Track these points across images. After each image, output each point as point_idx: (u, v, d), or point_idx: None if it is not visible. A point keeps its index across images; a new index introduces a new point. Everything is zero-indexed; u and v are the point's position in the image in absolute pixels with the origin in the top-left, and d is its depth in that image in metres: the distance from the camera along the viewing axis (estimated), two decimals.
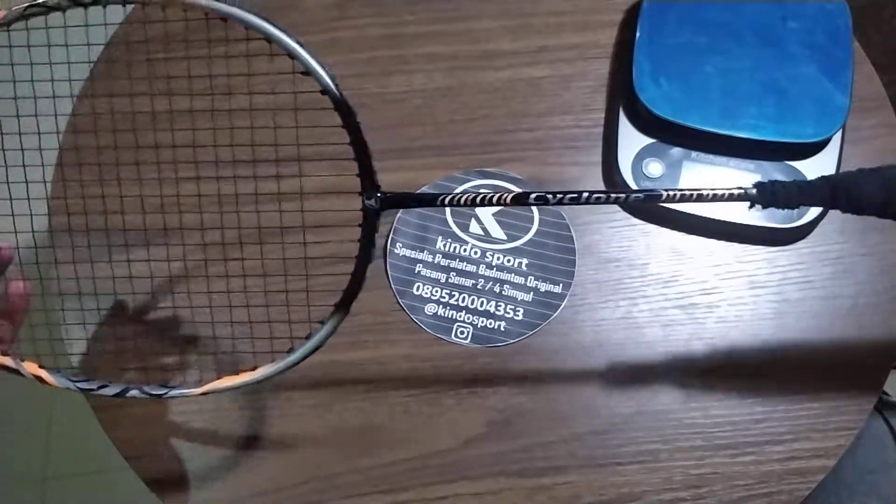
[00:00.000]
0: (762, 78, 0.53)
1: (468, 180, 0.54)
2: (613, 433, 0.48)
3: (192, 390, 0.40)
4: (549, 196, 0.38)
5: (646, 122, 0.54)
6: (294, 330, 0.40)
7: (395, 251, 0.52)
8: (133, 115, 0.43)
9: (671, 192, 0.38)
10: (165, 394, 0.40)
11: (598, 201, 0.38)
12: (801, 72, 0.53)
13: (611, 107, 0.57)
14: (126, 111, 0.43)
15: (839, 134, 0.53)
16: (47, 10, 0.36)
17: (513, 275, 0.52)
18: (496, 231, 0.53)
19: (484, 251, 0.52)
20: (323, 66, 0.35)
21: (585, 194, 0.38)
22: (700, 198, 0.38)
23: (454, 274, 0.52)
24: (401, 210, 0.53)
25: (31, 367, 0.39)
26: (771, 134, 0.52)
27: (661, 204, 0.40)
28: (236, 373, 0.40)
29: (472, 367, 0.50)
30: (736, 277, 0.52)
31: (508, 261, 0.52)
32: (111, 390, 0.40)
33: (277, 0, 0.61)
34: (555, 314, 0.51)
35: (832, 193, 0.38)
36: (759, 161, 0.53)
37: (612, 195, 0.39)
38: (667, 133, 0.53)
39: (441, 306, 0.51)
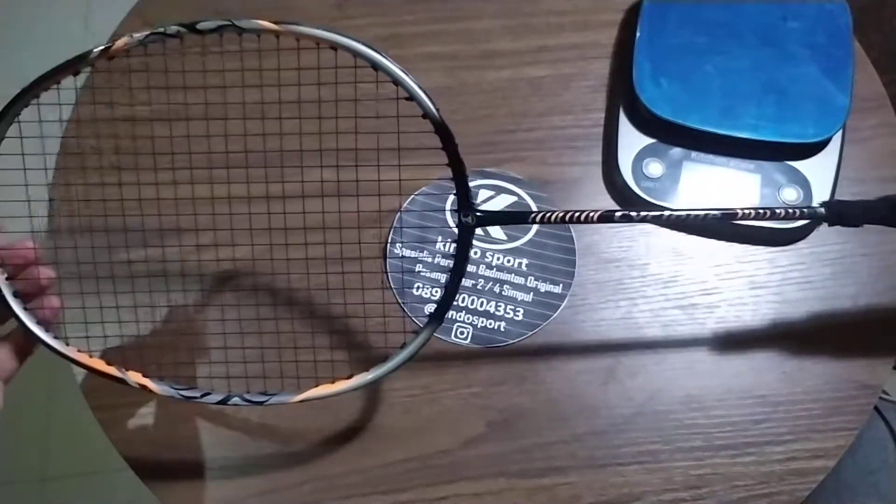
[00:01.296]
0: (762, 78, 0.53)
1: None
2: (613, 433, 0.48)
3: (291, 398, 0.40)
4: (633, 214, 0.40)
5: (646, 122, 0.54)
6: (388, 340, 0.41)
7: (395, 251, 0.52)
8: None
9: (746, 210, 0.40)
10: (266, 401, 0.40)
11: (687, 219, 0.41)
12: (802, 72, 0.53)
13: (611, 107, 0.57)
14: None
15: (839, 134, 0.53)
16: (166, 37, 0.37)
17: (513, 275, 0.52)
18: (496, 231, 0.53)
19: (484, 251, 0.52)
20: (425, 92, 0.37)
21: (667, 214, 0.40)
22: (773, 215, 0.40)
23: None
24: (401, 210, 0.53)
25: (135, 377, 0.39)
26: (771, 134, 0.52)
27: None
28: (332, 381, 0.40)
29: (472, 368, 0.50)
30: (736, 278, 0.52)
31: (508, 261, 0.52)
32: (214, 398, 0.40)
33: (277, 0, 0.61)
34: (555, 314, 0.51)
35: (891, 212, 0.41)
36: (760, 161, 0.53)
37: (693, 213, 0.40)
38: (667, 133, 0.53)
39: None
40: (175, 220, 0.45)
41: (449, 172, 0.40)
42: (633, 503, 0.47)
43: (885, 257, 0.52)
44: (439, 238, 0.53)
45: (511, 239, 0.53)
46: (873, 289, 0.51)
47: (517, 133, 0.56)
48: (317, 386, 0.41)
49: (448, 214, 0.53)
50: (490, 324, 0.50)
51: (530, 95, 0.58)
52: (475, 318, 0.51)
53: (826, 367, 0.49)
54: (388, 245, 0.53)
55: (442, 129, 0.38)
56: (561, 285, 0.51)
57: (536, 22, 0.60)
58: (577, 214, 0.40)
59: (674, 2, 0.56)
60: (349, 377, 0.40)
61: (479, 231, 0.52)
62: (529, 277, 0.52)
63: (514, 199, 0.54)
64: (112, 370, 0.40)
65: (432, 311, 0.41)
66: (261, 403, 0.40)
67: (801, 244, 0.53)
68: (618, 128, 0.54)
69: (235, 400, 0.40)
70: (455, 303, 0.51)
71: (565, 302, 0.51)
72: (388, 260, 0.52)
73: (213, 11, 0.61)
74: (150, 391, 0.39)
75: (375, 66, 0.36)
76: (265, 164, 0.43)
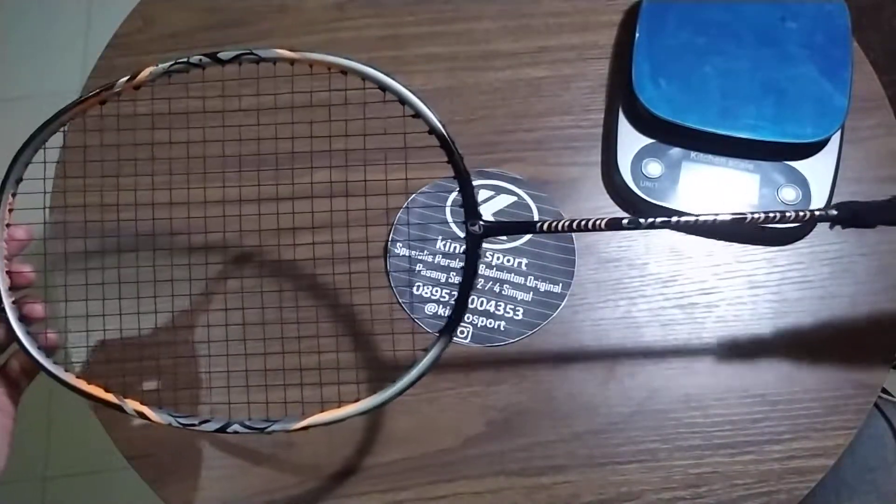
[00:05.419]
0: (761, 78, 0.54)
1: None
2: (613, 432, 0.48)
3: (293, 424, 0.39)
4: (641, 220, 0.39)
5: (645, 122, 0.54)
6: (398, 358, 0.40)
7: (395, 251, 0.53)
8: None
9: (756, 215, 0.39)
10: (266, 428, 0.39)
11: (696, 224, 0.39)
12: (801, 72, 0.54)
13: (610, 107, 0.57)
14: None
15: (838, 134, 0.53)
16: (189, 66, 0.39)
17: (513, 274, 0.52)
18: None
19: (484, 251, 0.53)
20: (430, 109, 0.39)
21: (674, 219, 0.39)
22: (784, 219, 0.39)
23: (454, 274, 0.52)
24: (401, 210, 0.53)
25: (133, 404, 0.39)
26: (770, 134, 0.52)
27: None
28: (338, 405, 0.39)
29: (472, 367, 0.50)
30: (735, 277, 0.52)
31: (508, 260, 0.52)
32: (213, 426, 0.39)
33: (278, 1, 0.61)
34: (554, 314, 0.51)
35: None
36: (759, 161, 0.53)
37: (702, 217, 0.39)
38: (666, 133, 0.53)
39: (441, 306, 0.51)
40: (179, 224, 0.45)
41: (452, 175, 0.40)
42: (632, 502, 0.47)
43: (883, 257, 0.52)
44: (439, 238, 0.53)
45: (511, 238, 0.53)
46: (871, 288, 0.52)
47: (517, 133, 0.57)
48: (322, 411, 0.39)
49: (448, 213, 0.53)
50: (490, 323, 0.51)
51: (530, 96, 0.58)
52: (475, 317, 0.51)
53: (825, 367, 0.50)
54: (389, 244, 0.53)
55: (447, 144, 0.39)
56: (560, 285, 0.52)
57: (536, 23, 0.60)
58: (583, 222, 0.39)
59: (673, 2, 0.56)
60: (356, 401, 0.39)
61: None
62: (529, 277, 0.52)
63: (514, 199, 0.54)
64: (110, 397, 0.39)
65: (442, 326, 0.39)
66: (261, 430, 0.39)
67: (799, 244, 0.53)
68: (617, 128, 0.54)
69: (235, 427, 0.39)
70: (455, 302, 0.51)
71: (565, 301, 0.51)
72: (388, 260, 0.52)
73: (211, 11, 0.61)
74: (149, 419, 0.39)
75: (383, 88, 0.39)
76: (258, 167, 0.43)
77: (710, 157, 0.53)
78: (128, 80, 0.39)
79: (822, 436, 0.48)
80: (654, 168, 0.53)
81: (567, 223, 0.39)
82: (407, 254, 0.53)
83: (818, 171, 0.53)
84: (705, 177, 0.53)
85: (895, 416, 0.64)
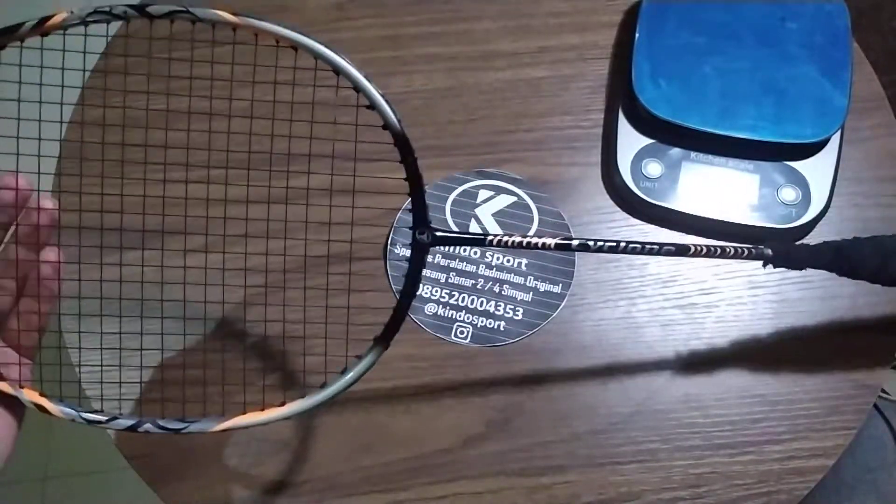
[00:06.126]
0: (761, 78, 0.54)
1: (468, 181, 0.54)
2: (612, 432, 0.48)
3: (212, 426, 0.37)
4: (590, 243, 0.41)
5: (645, 122, 0.54)
6: (329, 364, 0.38)
7: (395, 251, 0.53)
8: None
9: (699, 247, 0.41)
10: (183, 429, 0.37)
11: (643, 251, 0.41)
12: (800, 72, 0.54)
13: (610, 107, 0.57)
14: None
15: (838, 134, 0.53)
16: (111, 17, 0.33)
17: (512, 275, 0.52)
18: (496, 231, 0.53)
19: (483, 251, 0.53)
20: (387, 102, 0.35)
21: (622, 244, 0.41)
22: (723, 254, 0.41)
23: (454, 274, 0.52)
24: (400, 210, 0.53)
25: (31, 395, 0.36)
26: (770, 134, 0.52)
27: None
28: (262, 408, 0.37)
29: (472, 367, 0.50)
30: (735, 277, 0.52)
31: (508, 261, 0.52)
32: (122, 423, 0.37)
33: (278, 1, 0.61)
34: (554, 314, 0.51)
35: (834, 257, 0.43)
36: (758, 161, 0.53)
37: (648, 245, 0.41)
38: (666, 133, 0.53)
39: (441, 306, 0.51)
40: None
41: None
42: (632, 502, 0.47)
43: None
44: None
45: None
46: (871, 288, 0.51)
47: (517, 133, 0.57)
48: (244, 413, 0.37)
49: (448, 213, 0.53)
50: (490, 323, 0.51)
51: (530, 96, 0.58)
52: (475, 317, 0.51)
53: (825, 367, 0.50)
54: (389, 244, 0.53)
55: (402, 142, 0.35)
56: (560, 285, 0.52)
57: (536, 23, 0.60)
58: (532, 241, 0.40)
59: (673, 2, 0.56)
60: (281, 404, 0.37)
61: (478, 231, 0.53)
62: (529, 277, 0.52)
63: (514, 199, 0.54)
64: (4, 387, 0.36)
65: (378, 333, 0.38)
66: (177, 431, 0.37)
67: None
68: (617, 128, 0.54)
69: (147, 426, 0.36)
70: (455, 302, 0.51)
71: (565, 301, 0.51)
72: (388, 260, 0.52)
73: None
74: (48, 412, 0.36)
75: (337, 71, 0.34)
76: (249, 166, 0.41)
77: (709, 157, 0.53)
78: (36, 24, 0.33)
79: (821, 436, 0.48)
80: (654, 168, 0.53)
81: (518, 241, 0.39)
82: (407, 254, 0.53)
83: (818, 171, 0.53)
84: (705, 177, 0.53)
85: (895, 416, 0.64)
